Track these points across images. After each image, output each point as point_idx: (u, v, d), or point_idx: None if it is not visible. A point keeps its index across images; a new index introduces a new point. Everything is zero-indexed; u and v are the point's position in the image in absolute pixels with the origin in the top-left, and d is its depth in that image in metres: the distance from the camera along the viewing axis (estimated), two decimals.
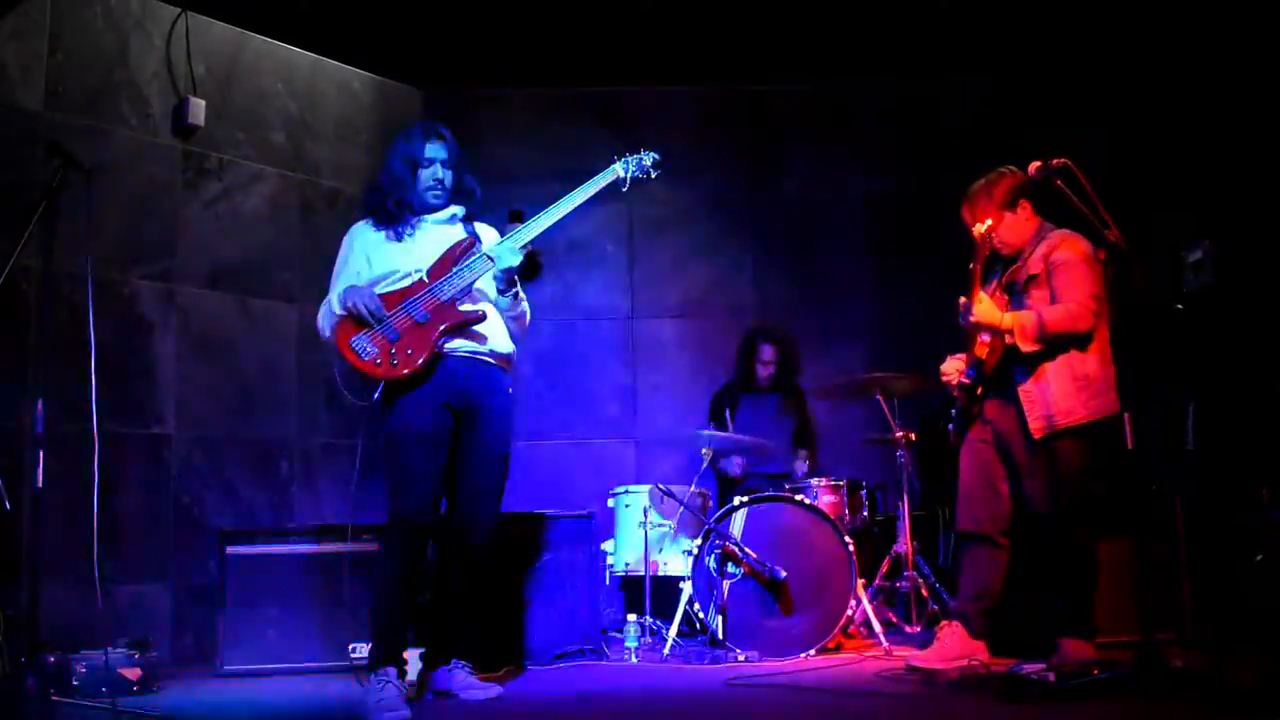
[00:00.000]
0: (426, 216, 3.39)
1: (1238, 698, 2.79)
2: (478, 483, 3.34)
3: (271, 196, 5.19)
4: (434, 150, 3.37)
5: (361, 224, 3.45)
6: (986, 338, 3.53)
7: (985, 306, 3.41)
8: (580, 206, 3.39)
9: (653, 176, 3.52)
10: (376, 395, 3.25)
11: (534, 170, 5.69)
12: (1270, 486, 4.05)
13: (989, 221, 3.46)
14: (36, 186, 3.98)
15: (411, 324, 3.22)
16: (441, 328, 3.22)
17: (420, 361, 3.18)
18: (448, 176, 3.39)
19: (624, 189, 3.50)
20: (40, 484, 3.04)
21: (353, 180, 5.40)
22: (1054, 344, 3.41)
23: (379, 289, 3.27)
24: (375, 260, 3.33)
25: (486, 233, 3.49)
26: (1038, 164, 3.06)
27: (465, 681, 3.32)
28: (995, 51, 5.57)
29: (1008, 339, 3.46)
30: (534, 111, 6.03)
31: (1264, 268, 4.53)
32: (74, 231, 3.34)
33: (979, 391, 3.60)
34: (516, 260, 3.26)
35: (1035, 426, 3.42)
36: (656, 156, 3.51)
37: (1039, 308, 3.45)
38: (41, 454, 3.03)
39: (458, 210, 3.45)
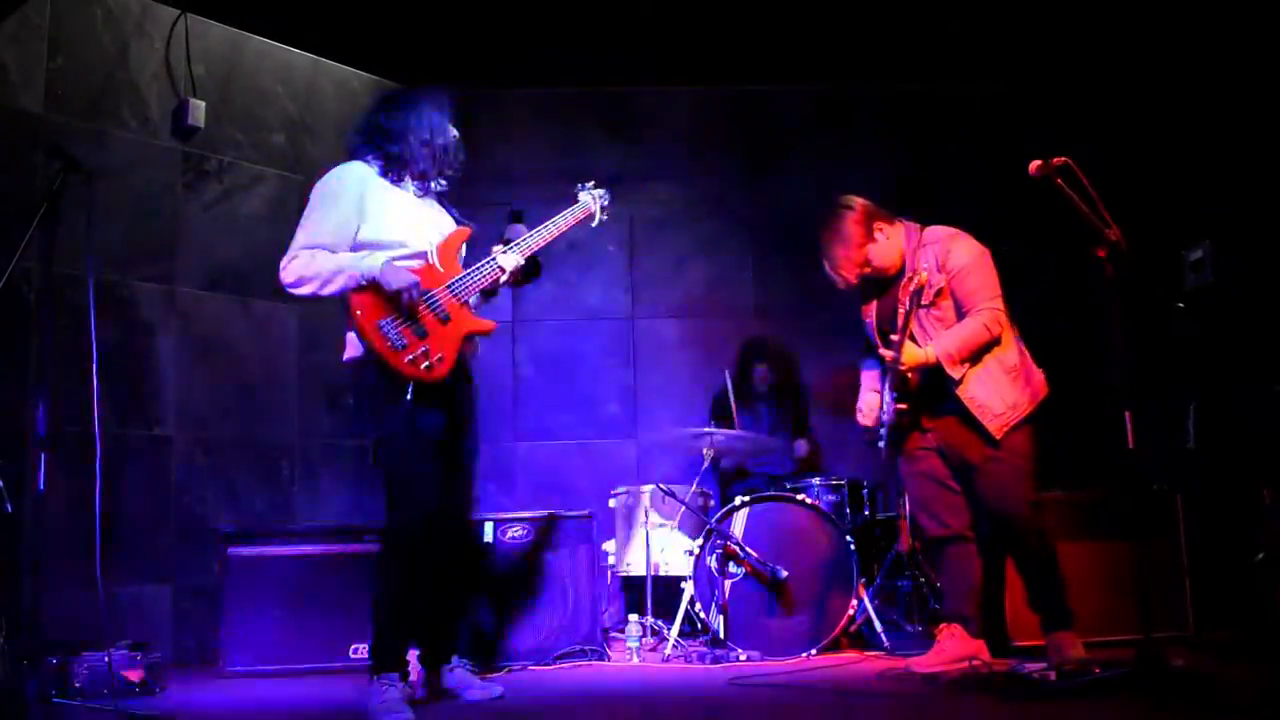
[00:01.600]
0: (415, 184, 3.28)
1: (1238, 697, 2.79)
2: (464, 480, 3.36)
3: (271, 197, 5.19)
4: (450, 117, 3.36)
5: (362, 165, 3.24)
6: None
7: (910, 353, 3.50)
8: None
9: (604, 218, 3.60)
10: (409, 396, 3.02)
11: (533, 171, 5.68)
12: (1271, 486, 4.05)
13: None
14: (37, 189, 4.00)
15: (435, 322, 3.11)
16: (463, 337, 3.16)
17: (447, 369, 3.10)
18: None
19: (594, 225, 3.54)
20: (42, 486, 3.04)
21: None
22: (977, 356, 3.52)
23: (387, 259, 3.11)
24: (386, 218, 3.16)
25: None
26: (1038, 163, 3.06)
27: (466, 681, 3.32)
28: (997, 52, 5.56)
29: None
30: (533, 112, 6.01)
31: (1264, 268, 4.53)
32: (75, 234, 3.34)
33: (906, 407, 3.64)
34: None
35: (995, 427, 3.50)
36: (607, 192, 3.59)
37: (954, 333, 3.53)
38: (43, 456, 3.03)
39: (440, 185, 3.36)
